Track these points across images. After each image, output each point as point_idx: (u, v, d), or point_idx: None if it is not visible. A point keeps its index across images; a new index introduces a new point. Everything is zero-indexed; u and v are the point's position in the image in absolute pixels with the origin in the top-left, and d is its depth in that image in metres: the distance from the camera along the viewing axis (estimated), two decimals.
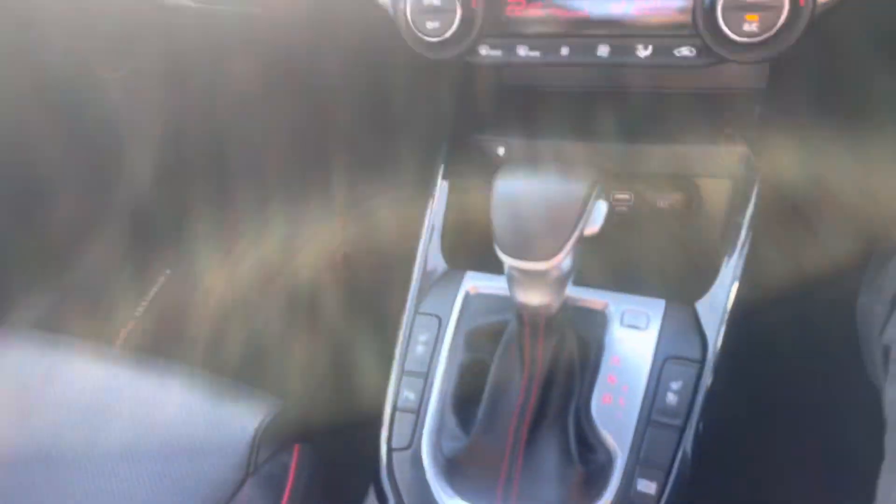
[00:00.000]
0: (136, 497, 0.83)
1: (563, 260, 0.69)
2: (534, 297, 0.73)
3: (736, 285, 0.82)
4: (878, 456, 0.58)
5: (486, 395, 0.81)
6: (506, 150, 0.99)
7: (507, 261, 0.70)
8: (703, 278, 0.84)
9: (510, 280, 0.73)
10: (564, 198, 0.68)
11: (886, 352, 0.61)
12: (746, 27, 0.72)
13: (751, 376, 0.85)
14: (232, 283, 1.39)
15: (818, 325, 0.92)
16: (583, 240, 0.70)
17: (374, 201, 1.23)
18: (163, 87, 1.33)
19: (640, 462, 0.75)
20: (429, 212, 0.96)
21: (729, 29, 0.73)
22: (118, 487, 0.85)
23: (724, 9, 0.73)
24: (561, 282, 0.72)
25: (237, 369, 0.98)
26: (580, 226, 0.68)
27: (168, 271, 1.53)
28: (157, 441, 0.88)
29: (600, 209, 0.70)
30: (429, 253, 0.94)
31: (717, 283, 0.83)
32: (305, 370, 0.94)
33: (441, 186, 0.97)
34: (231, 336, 1.13)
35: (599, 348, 0.81)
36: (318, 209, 1.21)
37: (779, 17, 0.71)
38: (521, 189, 0.70)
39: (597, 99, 0.97)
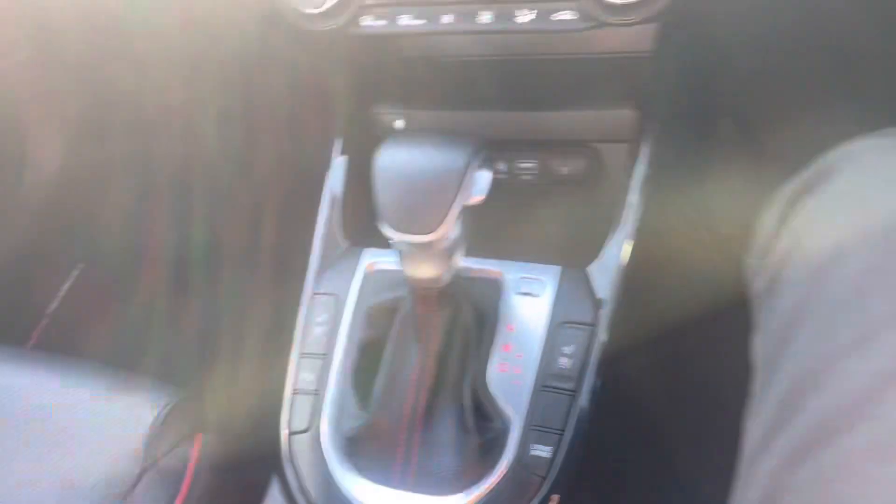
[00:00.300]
0: (29, 496, 0.81)
1: (448, 231, 0.68)
2: (424, 271, 0.72)
3: (627, 245, 0.82)
4: None
5: (382, 372, 0.80)
6: (404, 123, 0.97)
7: (392, 235, 0.69)
8: (600, 242, 0.84)
9: (399, 254, 0.72)
10: (443, 168, 0.67)
11: (754, 303, 0.62)
12: None
13: (649, 338, 0.86)
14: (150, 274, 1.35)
15: (713, 284, 0.93)
16: (468, 209, 0.69)
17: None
18: (69, 77, 1.28)
19: (534, 428, 0.75)
20: (326, 189, 0.94)
21: None
22: (10, 487, 0.82)
23: None
24: (450, 253, 0.71)
25: (138, 361, 0.95)
26: (460, 195, 0.67)
27: (81, 265, 1.48)
28: (51, 439, 0.85)
29: (483, 178, 0.69)
30: (327, 230, 0.92)
31: (608, 244, 0.83)
32: (206, 358, 0.92)
33: (338, 162, 0.96)
34: (135, 327, 1.10)
35: (494, 318, 0.81)
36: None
37: None
38: (400, 161, 0.69)
39: (494, 67, 0.96)
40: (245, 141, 1.12)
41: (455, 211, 0.67)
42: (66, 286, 1.48)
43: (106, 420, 0.86)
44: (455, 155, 0.68)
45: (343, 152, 0.96)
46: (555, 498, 0.74)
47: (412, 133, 0.78)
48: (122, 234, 1.32)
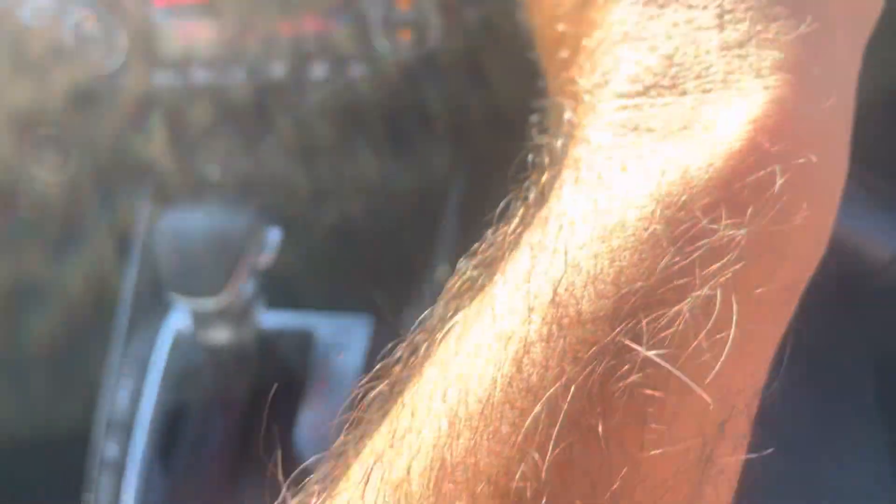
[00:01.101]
0: None
1: (239, 292, 0.67)
2: (219, 334, 0.71)
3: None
4: None
5: (187, 441, 0.77)
6: (221, 171, 0.95)
7: (178, 300, 0.67)
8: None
9: (192, 319, 0.71)
10: (229, 228, 0.66)
11: None
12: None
13: None
14: None
15: None
16: (258, 267, 0.68)
17: None
18: None
19: None
20: (139, 239, 0.91)
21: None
22: None
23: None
24: (244, 313, 0.70)
25: None
26: (248, 256, 0.66)
27: None
28: None
29: (271, 237, 0.69)
30: (139, 286, 0.88)
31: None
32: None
33: (149, 211, 0.92)
34: None
35: (304, 375, 0.79)
36: None
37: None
38: (184, 222, 0.67)
39: None
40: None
41: (243, 272, 0.66)
42: None
43: None
44: (241, 213, 0.67)
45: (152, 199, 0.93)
46: None
47: (199, 191, 0.76)
48: None
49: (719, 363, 0.20)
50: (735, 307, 0.21)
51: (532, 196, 0.27)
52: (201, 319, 0.70)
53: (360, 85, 0.78)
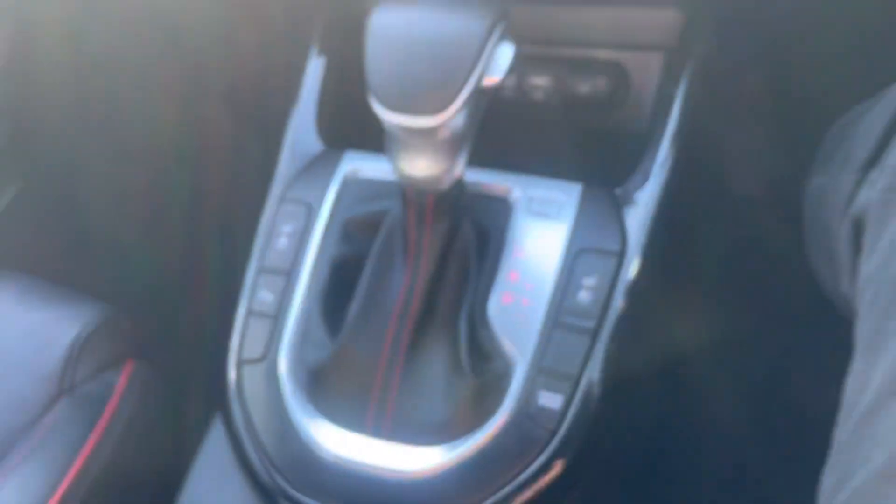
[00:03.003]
0: None
1: (456, 116, 0.54)
2: (420, 166, 0.58)
3: (665, 170, 0.69)
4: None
5: (358, 295, 0.65)
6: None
7: (387, 116, 0.54)
8: (628, 164, 0.71)
9: (391, 143, 0.58)
10: (458, 36, 0.53)
11: (857, 224, 0.49)
12: None
13: (681, 278, 0.72)
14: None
15: (758, 222, 0.79)
16: (482, 92, 0.55)
17: None
18: None
19: (543, 371, 0.61)
20: (303, 81, 0.79)
21: None
22: None
23: None
24: (454, 147, 0.57)
25: (69, 272, 0.79)
26: (477, 72, 0.53)
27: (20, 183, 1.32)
28: None
29: (504, 53, 0.55)
30: (301, 129, 0.77)
31: (642, 167, 0.69)
32: (144, 270, 0.76)
33: (317, 50, 0.80)
34: (72, 246, 0.92)
35: (501, 240, 0.67)
36: None
37: None
38: (403, 24, 0.54)
39: None
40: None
41: (469, 90, 0.53)
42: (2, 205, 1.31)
43: (23, 335, 0.71)
44: (474, 20, 0.54)
45: (320, 39, 0.81)
46: (557, 465, 0.61)
47: None
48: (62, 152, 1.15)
49: None
50: None
51: None
52: (404, 143, 0.58)
53: None
